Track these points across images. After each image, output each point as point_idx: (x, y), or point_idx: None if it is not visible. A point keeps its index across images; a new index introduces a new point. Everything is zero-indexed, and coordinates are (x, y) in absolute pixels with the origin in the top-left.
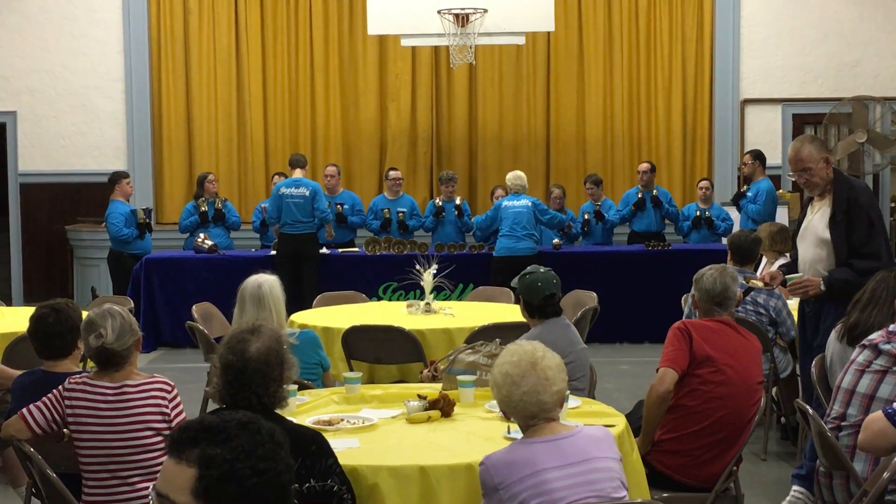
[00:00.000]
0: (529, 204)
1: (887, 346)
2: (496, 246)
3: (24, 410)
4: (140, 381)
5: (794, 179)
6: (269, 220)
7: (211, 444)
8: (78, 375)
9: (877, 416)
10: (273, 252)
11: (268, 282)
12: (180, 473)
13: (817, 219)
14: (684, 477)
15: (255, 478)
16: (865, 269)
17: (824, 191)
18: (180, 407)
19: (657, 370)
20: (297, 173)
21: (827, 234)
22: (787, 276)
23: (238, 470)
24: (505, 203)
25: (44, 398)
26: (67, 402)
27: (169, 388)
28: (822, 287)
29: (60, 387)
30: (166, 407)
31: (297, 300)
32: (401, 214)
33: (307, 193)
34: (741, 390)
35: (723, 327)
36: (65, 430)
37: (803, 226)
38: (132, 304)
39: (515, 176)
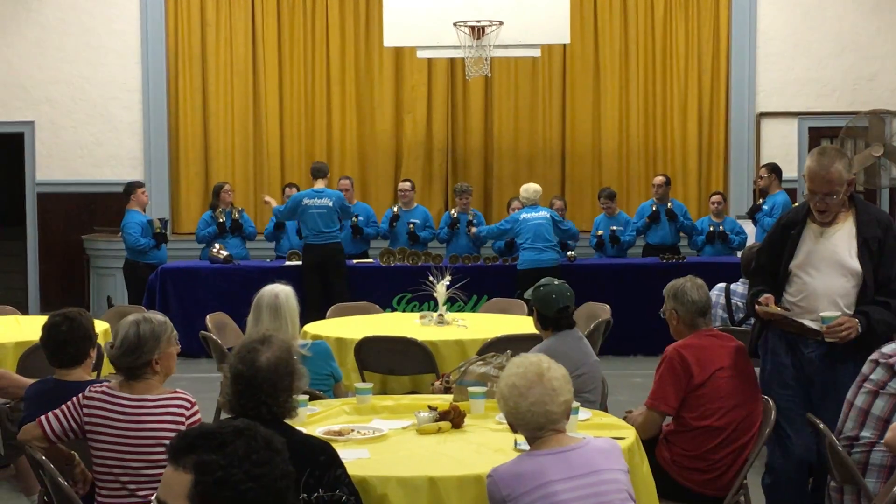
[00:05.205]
0: (548, 215)
1: None
2: (520, 258)
3: (42, 417)
4: (160, 395)
5: (810, 200)
6: (278, 216)
7: (206, 450)
8: (99, 384)
9: None
10: (288, 262)
11: (284, 292)
12: (178, 480)
13: (837, 245)
14: (707, 489)
15: (250, 482)
16: None
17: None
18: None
19: (647, 405)
20: (320, 183)
21: (856, 264)
22: (823, 315)
23: (232, 475)
24: (523, 216)
25: (63, 406)
26: (85, 410)
27: (188, 405)
28: (860, 329)
29: (80, 395)
30: (183, 424)
31: (327, 310)
32: (411, 226)
33: (330, 204)
34: (747, 392)
35: (710, 340)
36: (73, 452)
37: (806, 250)
38: (145, 313)
39: (531, 189)
